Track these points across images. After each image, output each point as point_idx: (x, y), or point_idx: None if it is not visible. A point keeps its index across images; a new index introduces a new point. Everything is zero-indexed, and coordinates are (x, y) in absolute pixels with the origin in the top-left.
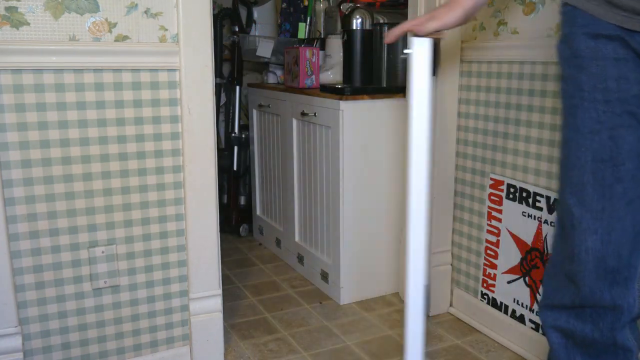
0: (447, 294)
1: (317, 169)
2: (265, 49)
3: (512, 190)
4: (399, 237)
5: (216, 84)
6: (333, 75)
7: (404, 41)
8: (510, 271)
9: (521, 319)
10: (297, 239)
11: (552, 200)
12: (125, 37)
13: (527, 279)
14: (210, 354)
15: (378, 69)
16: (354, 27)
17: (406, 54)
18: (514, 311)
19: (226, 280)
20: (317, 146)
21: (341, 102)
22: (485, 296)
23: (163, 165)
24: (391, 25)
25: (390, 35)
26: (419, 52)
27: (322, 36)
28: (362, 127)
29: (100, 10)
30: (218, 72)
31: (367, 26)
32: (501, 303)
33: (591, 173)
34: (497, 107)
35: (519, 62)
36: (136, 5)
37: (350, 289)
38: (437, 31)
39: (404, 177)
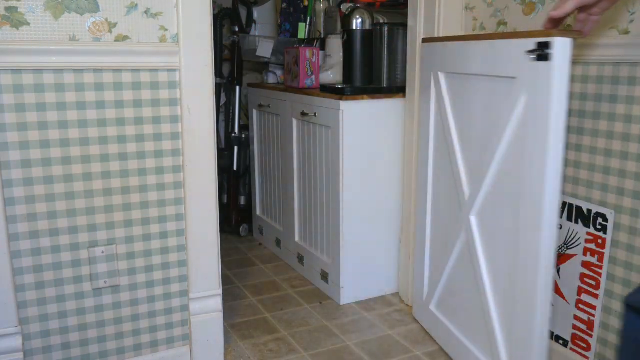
0: None
1: (317, 169)
2: (265, 49)
3: None
4: (399, 237)
5: (216, 84)
6: (333, 75)
7: (404, 41)
8: None
9: None
10: (297, 239)
11: None
12: (125, 37)
13: None
14: (210, 354)
15: (378, 69)
16: (354, 27)
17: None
18: None
19: (226, 280)
20: (317, 146)
21: (341, 102)
22: None
23: (163, 165)
24: (391, 25)
25: (560, 11)
26: (561, 53)
27: (322, 36)
28: (362, 127)
29: (100, 10)
30: (218, 72)
31: (367, 26)
32: None
33: None
34: None
35: None
36: (136, 5)
37: (350, 289)
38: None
39: (411, 178)
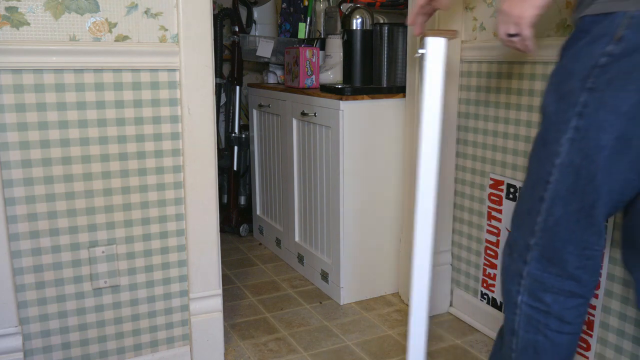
0: (447, 294)
1: (317, 169)
2: (265, 49)
3: (512, 190)
4: (399, 237)
5: (216, 84)
6: (333, 75)
7: (404, 41)
8: None
9: None
10: (297, 239)
11: None
12: (125, 37)
13: None
14: (210, 354)
15: (378, 69)
16: (354, 27)
17: (420, 53)
18: None
19: (226, 280)
20: (317, 146)
21: (341, 102)
22: (485, 296)
23: (163, 165)
24: (391, 25)
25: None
26: (434, 51)
27: (322, 36)
28: (362, 127)
29: (101, 10)
30: (218, 72)
31: (367, 26)
32: (501, 303)
33: None
34: (497, 107)
35: (519, 62)
36: (136, 5)
37: (350, 289)
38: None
39: (411, 178)
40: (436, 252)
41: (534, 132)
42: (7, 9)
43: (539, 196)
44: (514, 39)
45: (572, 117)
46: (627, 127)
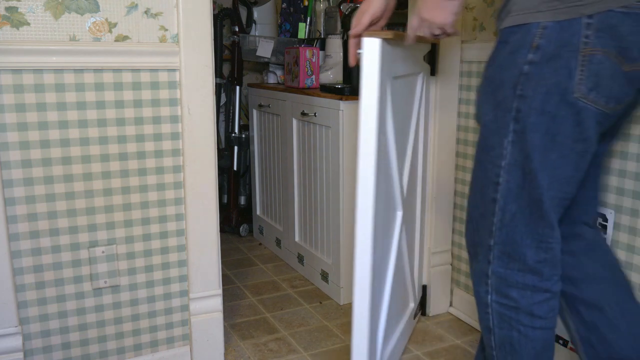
0: (447, 294)
1: (317, 169)
2: (265, 49)
3: None
4: None
5: (216, 84)
6: (333, 75)
7: None
8: None
9: None
10: (297, 239)
11: None
12: (125, 37)
13: None
14: (210, 354)
15: None
16: None
17: (359, 53)
18: None
19: (226, 280)
20: (317, 146)
21: (341, 102)
22: None
23: (163, 165)
24: (391, 25)
25: (359, 28)
26: (370, 52)
27: (322, 36)
28: None
29: (101, 10)
30: (218, 72)
31: None
32: None
33: None
34: None
35: None
36: (136, 5)
37: (350, 289)
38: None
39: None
40: (436, 252)
41: None
42: (7, 9)
43: (490, 198)
44: (439, 37)
45: (510, 122)
46: (550, 126)
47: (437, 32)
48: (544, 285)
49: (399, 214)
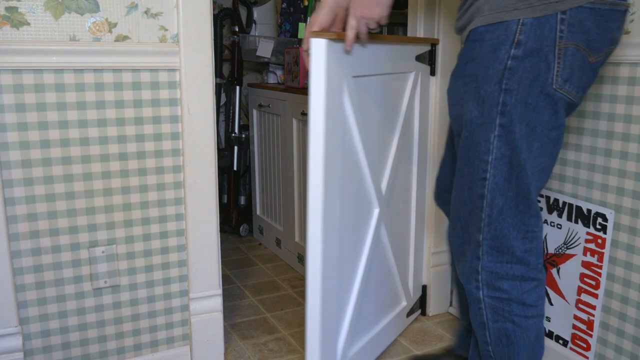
0: (447, 294)
1: None
2: (265, 49)
3: None
4: None
5: (216, 84)
6: None
7: None
8: None
9: None
10: (297, 238)
11: (552, 200)
12: (125, 37)
13: None
14: (210, 354)
15: None
16: None
17: (308, 53)
18: None
19: (226, 280)
20: None
21: None
22: None
23: (163, 165)
24: (391, 25)
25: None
26: (316, 52)
27: None
28: None
29: (101, 10)
30: (218, 72)
31: None
32: None
33: None
34: None
35: None
36: (136, 5)
37: None
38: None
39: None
40: (436, 252)
41: None
42: (7, 9)
43: (479, 194)
44: (374, 30)
45: (496, 116)
46: (532, 117)
47: (373, 26)
48: (531, 274)
49: (376, 211)
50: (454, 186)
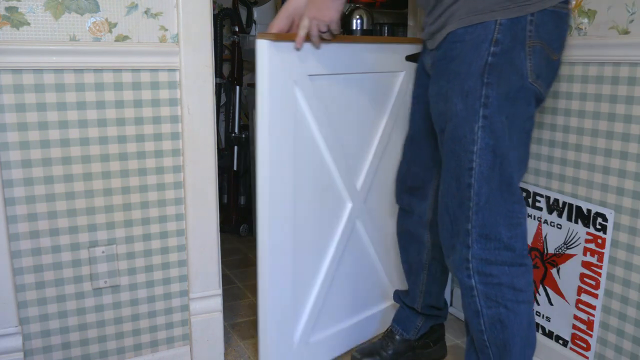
0: (447, 293)
1: None
2: None
3: None
4: None
5: (216, 84)
6: None
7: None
8: None
9: None
10: None
11: (552, 200)
12: (125, 37)
13: None
14: (210, 354)
15: None
16: (354, 27)
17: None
18: None
19: (226, 280)
20: None
21: None
22: None
23: (163, 165)
24: (391, 25)
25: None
26: (260, 52)
27: None
28: None
29: (101, 11)
30: (218, 72)
31: (367, 26)
32: None
33: None
34: None
35: None
36: (136, 5)
37: None
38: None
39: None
40: None
41: (536, 132)
42: (7, 9)
43: (466, 184)
44: (324, 35)
45: (479, 108)
46: (511, 109)
47: (324, 29)
48: (518, 260)
49: (349, 205)
50: (441, 181)
